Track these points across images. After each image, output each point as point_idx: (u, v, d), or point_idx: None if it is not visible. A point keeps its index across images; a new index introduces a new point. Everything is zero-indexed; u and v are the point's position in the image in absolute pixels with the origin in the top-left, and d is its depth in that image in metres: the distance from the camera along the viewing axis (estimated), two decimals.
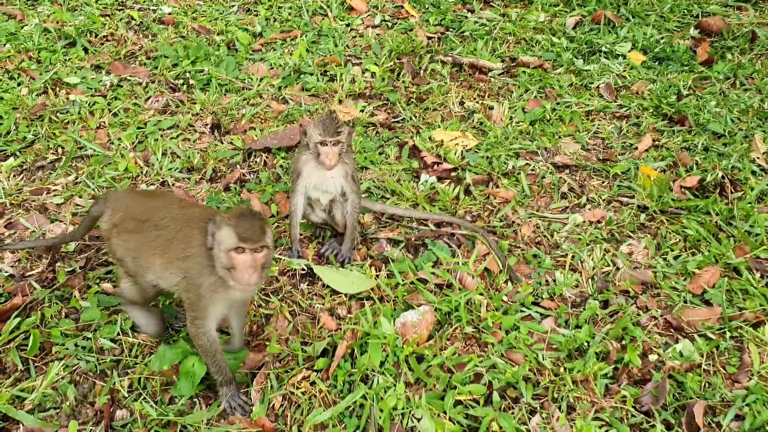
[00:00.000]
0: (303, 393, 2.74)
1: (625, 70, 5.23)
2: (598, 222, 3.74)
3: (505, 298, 3.21)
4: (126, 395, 2.74)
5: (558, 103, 4.81)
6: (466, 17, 5.95)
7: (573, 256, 3.48)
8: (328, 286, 3.27)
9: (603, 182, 4.08)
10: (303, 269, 3.37)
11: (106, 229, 2.78)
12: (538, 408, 2.72)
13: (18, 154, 4.20)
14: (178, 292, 2.65)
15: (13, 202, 3.80)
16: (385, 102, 4.84)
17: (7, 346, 2.90)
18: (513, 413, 2.68)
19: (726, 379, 2.87)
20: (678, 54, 5.43)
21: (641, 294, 3.26)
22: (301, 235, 3.57)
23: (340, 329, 3.03)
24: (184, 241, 2.57)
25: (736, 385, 2.83)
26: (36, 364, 2.85)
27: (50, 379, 2.74)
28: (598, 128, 4.58)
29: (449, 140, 4.36)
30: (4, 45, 5.32)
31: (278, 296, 3.22)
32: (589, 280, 3.35)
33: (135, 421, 2.63)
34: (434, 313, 3.07)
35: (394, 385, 2.73)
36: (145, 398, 2.72)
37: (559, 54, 5.38)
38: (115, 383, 2.77)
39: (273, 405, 2.71)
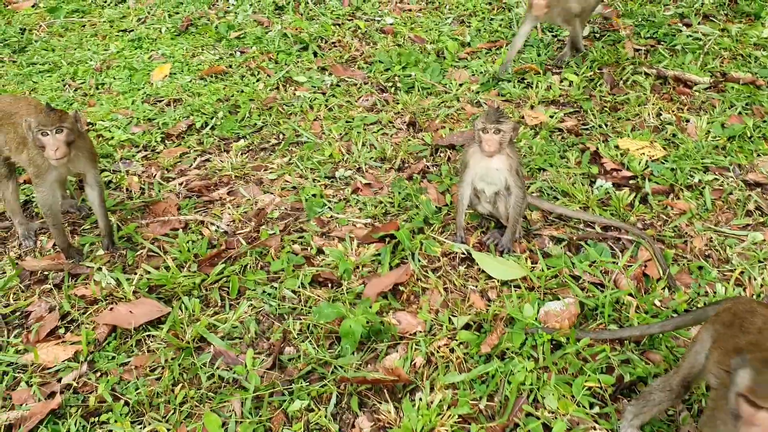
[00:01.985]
0: (442, 357, 3.02)
1: None
2: None
3: (657, 303, 3.20)
4: (295, 336, 3.22)
5: (764, 121, 4.55)
6: (680, 31, 5.79)
7: (742, 272, 3.36)
8: (483, 271, 3.50)
9: None
10: (463, 254, 3.64)
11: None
12: None
13: (248, 137, 4.98)
14: None
15: (237, 174, 4.53)
16: (577, 109, 4.94)
17: (213, 286, 3.54)
18: None
19: None
20: None
21: None
22: (467, 224, 3.85)
23: (487, 310, 3.26)
24: None
25: None
26: (231, 303, 3.44)
27: (239, 314, 3.32)
28: None
29: (635, 149, 4.35)
30: (251, 47, 6.27)
31: (437, 274, 3.52)
32: (754, 296, 3.21)
33: (299, 357, 3.10)
34: (579, 306, 3.17)
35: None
36: (310, 341, 3.17)
37: None
38: (288, 326, 3.27)
39: (414, 363, 3.02)
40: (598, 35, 5.92)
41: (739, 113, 4.65)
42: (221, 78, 5.84)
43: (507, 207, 3.63)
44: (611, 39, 5.80)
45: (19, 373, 3.11)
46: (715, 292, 3.25)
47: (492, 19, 6.36)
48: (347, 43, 6.21)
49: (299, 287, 3.50)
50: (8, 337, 3.30)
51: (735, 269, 3.38)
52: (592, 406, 2.77)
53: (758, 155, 4.25)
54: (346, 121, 5.04)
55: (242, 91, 5.55)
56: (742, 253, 3.50)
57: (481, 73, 5.49)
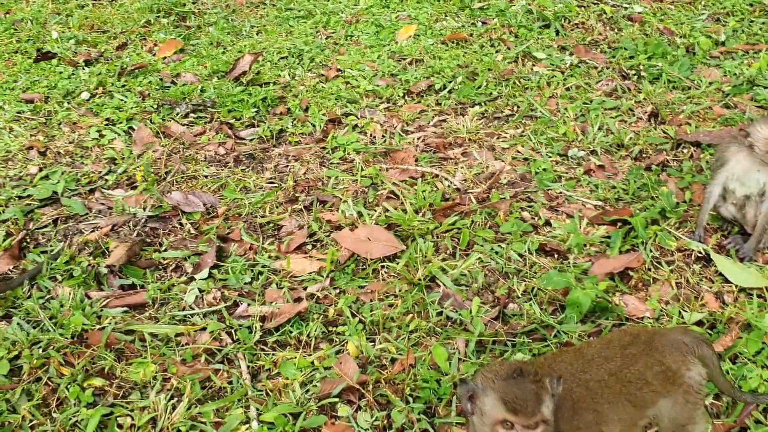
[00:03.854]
0: None
1: None
2: None
3: None
4: (519, 296, 3.34)
5: None
6: None
7: None
8: (720, 274, 3.39)
9: None
10: (700, 253, 3.54)
11: None
12: None
13: (483, 104, 5.11)
14: None
15: (471, 138, 4.69)
16: None
17: (445, 234, 3.74)
18: None
19: None
20: None
21: None
22: (708, 224, 3.72)
23: (722, 311, 3.16)
24: None
25: None
26: (460, 252, 3.62)
27: (468, 263, 3.49)
28: None
29: None
30: (493, 19, 6.38)
31: (669, 267, 3.46)
32: None
33: (522, 315, 3.21)
34: None
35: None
36: (533, 302, 3.28)
37: None
38: (513, 284, 3.39)
39: None
40: None
41: None
42: (462, 45, 6.01)
43: (756, 213, 3.47)
44: None
45: (271, 275, 3.51)
46: None
47: (752, 21, 5.97)
48: (591, 26, 6.12)
49: (525, 251, 3.60)
50: (263, 244, 3.72)
51: None
52: None
53: None
54: (583, 103, 5.01)
55: (481, 60, 5.68)
56: None
57: (735, 74, 5.20)
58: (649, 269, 3.46)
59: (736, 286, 3.32)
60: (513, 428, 1.93)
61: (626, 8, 6.37)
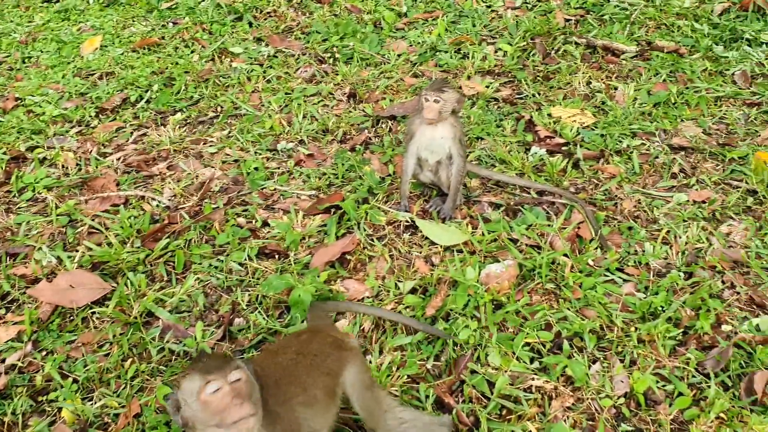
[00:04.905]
0: (390, 321, 3.12)
1: (767, 58, 5.06)
2: (703, 202, 3.77)
3: (591, 262, 3.38)
4: (245, 308, 3.26)
5: (687, 88, 4.79)
6: (608, 1, 5.98)
7: (668, 231, 3.57)
8: (426, 238, 3.61)
9: (717, 165, 4.08)
10: (407, 222, 3.73)
11: None
12: (601, 358, 2.91)
13: (184, 110, 4.92)
14: None
15: (176, 148, 4.49)
16: (511, 79, 5.07)
17: (158, 261, 3.53)
18: (576, 360, 2.89)
19: None
20: None
21: (729, 270, 3.30)
22: (411, 193, 3.93)
23: (431, 274, 3.36)
24: None
25: None
26: (177, 277, 3.45)
27: (186, 287, 3.33)
28: (724, 114, 4.53)
29: (567, 117, 4.52)
30: (184, 18, 6.15)
31: (382, 242, 3.61)
32: (679, 253, 3.42)
33: (249, 328, 3.15)
34: (518, 268, 3.32)
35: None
36: (259, 311, 3.22)
37: (698, 40, 5.31)
38: (237, 297, 3.30)
39: (363, 328, 3.11)
40: (530, 5, 6.06)
41: (664, 80, 4.87)
42: (154, 50, 5.73)
43: (448, 175, 3.73)
44: (542, 9, 5.95)
45: None
46: (644, 251, 3.45)
47: None
48: (283, 13, 6.17)
49: (246, 259, 3.52)
50: None
51: (662, 229, 3.58)
52: (532, 360, 2.92)
53: (682, 120, 4.48)
54: (286, 93, 5.03)
55: (177, 64, 5.46)
56: (668, 214, 3.71)
57: (419, 43, 5.55)
58: (365, 248, 3.57)
59: (441, 246, 3.55)
60: (220, 390, 2.01)
61: None
